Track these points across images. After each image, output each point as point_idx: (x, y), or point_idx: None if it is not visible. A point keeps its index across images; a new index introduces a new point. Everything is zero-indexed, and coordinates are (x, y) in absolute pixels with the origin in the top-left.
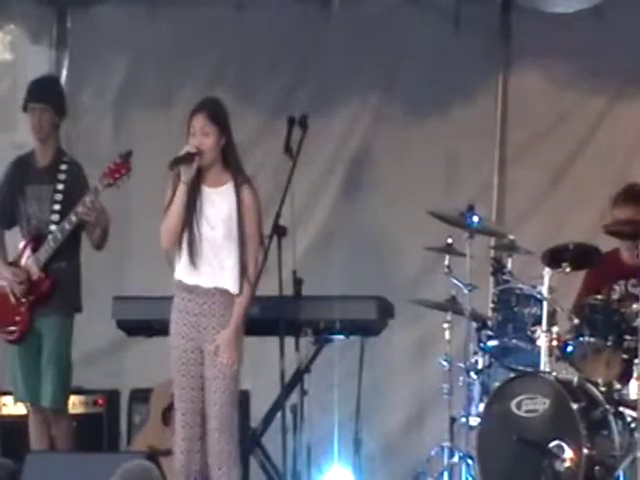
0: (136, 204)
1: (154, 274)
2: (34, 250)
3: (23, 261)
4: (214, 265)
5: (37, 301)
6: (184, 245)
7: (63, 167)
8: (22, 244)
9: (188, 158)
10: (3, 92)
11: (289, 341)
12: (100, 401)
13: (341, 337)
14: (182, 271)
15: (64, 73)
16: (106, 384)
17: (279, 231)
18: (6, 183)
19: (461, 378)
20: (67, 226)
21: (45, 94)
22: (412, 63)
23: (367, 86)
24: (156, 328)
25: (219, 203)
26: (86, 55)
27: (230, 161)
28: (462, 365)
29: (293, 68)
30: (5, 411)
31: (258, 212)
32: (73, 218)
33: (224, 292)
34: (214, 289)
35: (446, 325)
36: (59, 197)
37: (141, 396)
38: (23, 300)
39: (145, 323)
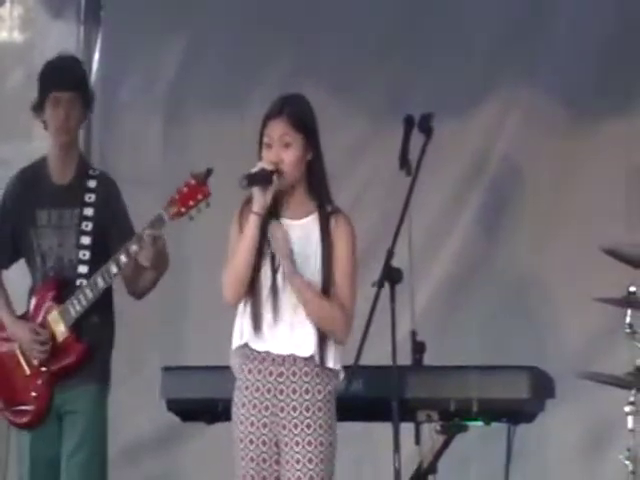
0: (195, 244)
1: (219, 336)
2: (57, 300)
3: (40, 316)
4: (295, 325)
5: (62, 372)
6: (253, 296)
7: (92, 184)
8: (36, 291)
9: (263, 177)
10: (15, 85)
11: (406, 429)
12: None
13: (479, 424)
14: (247, 332)
15: (95, 58)
16: None
17: (392, 276)
18: (7, 207)
19: None
20: (114, 269)
21: (73, 78)
22: (580, 40)
23: (514, 74)
24: (221, 411)
25: (303, 240)
26: (126, 32)
27: (315, 184)
28: None
29: (409, 51)
30: None
31: (354, 251)
32: (123, 258)
33: (303, 360)
34: (291, 358)
35: (629, 408)
36: (88, 226)
37: None
38: (43, 369)
39: (206, 403)
